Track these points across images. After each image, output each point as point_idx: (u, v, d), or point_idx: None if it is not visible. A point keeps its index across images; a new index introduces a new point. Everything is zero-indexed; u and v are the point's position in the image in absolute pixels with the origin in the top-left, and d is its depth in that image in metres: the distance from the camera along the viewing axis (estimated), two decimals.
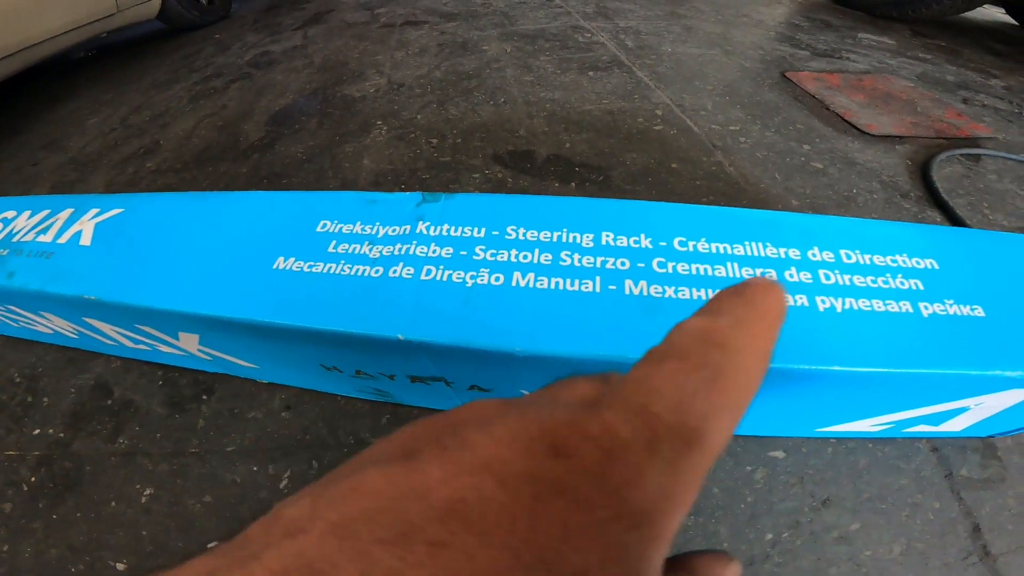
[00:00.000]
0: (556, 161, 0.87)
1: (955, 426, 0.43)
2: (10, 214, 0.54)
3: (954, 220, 0.72)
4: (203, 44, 1.77)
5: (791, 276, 0.36)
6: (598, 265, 0.37)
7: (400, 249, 0.40)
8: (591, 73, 1.20)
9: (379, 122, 1.06)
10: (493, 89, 1.15)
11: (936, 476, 0.45)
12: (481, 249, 0.39)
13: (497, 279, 0.37)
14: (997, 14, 1.69)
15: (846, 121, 0.96)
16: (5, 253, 0.49)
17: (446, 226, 0.42)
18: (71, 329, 0.53)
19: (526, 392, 0.43)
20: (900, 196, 0.77)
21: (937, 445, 0.47)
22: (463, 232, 0.41)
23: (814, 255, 0.38)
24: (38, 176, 1.04)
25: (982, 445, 0.47)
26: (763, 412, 0.41)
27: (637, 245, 0.38)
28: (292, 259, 0.41)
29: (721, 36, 1.44)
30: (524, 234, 0.40)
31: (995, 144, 0.89)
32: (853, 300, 0.35)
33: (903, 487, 0.45)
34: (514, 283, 0.37)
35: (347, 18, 1.89)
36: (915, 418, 0.41)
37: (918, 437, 0.47)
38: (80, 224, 0.50)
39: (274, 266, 0.41)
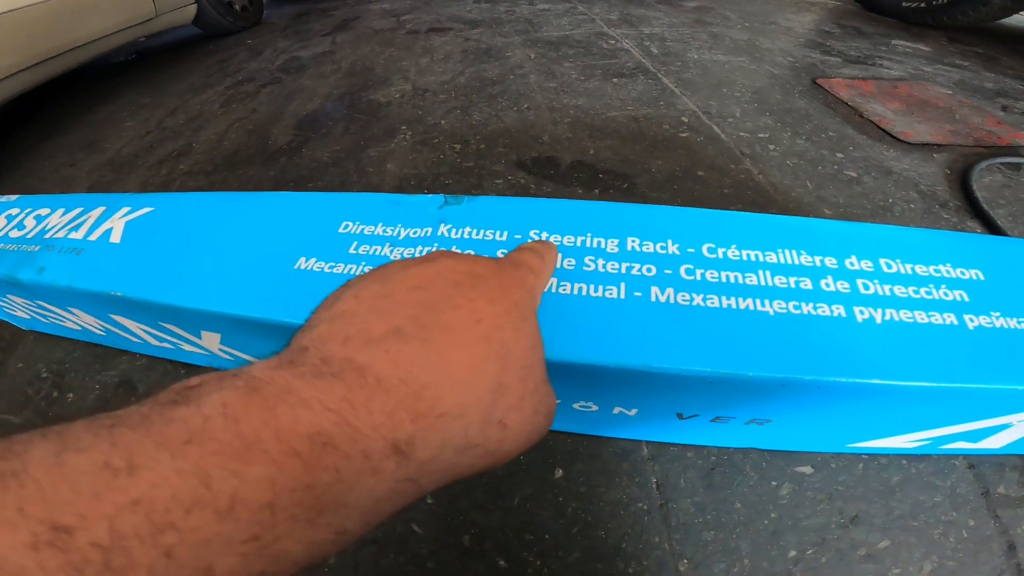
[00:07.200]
0: (580, 167, 0.86)
1: (995, 443, 0.41)
2: (44, 211, 0.55)
3: (995, 231, 0.69)
4: (236, 49, 1.82)
5: (827, 286, 0.35)
6: (623, 271, 0.36)
7: (421, 251, 0.40)
8: (615, 80, 1.20)
9: (404, 127, 1.06)
10: (517, 95, 1.15)
11: (972, 494, 0.43)
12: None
13: None
14: None
15: (881, 129, 0.93)
16: (37, 249, 0.49)
17: (468, 229, 0.41)
18: (98, 325, 0.54)
19: None
20: (939, 206, 0.75)
21: (974, 462, 0.45)
22: (484, 235, 0.40)
23: (852, 264, 0.36)
24: (76, 176, 1.08)
25: (1021, 463, 0.45)
26: (795, 426, 0.40)
27: (664, 251, 0.37)
28: (314, 260, 0.41)
29: (749, 43, 1.41)
30: (547, 238, 0.39)
31: None
32: (894, 311, 0.33)
33: (937, 504, 0.43)
34: None
35: (374, 25, 1.93)
36: (954, 435, 0.39)
37: (955, 454, 0.45)
38: (111, 222, 0.51)
39: (296, 266, 0.41)
